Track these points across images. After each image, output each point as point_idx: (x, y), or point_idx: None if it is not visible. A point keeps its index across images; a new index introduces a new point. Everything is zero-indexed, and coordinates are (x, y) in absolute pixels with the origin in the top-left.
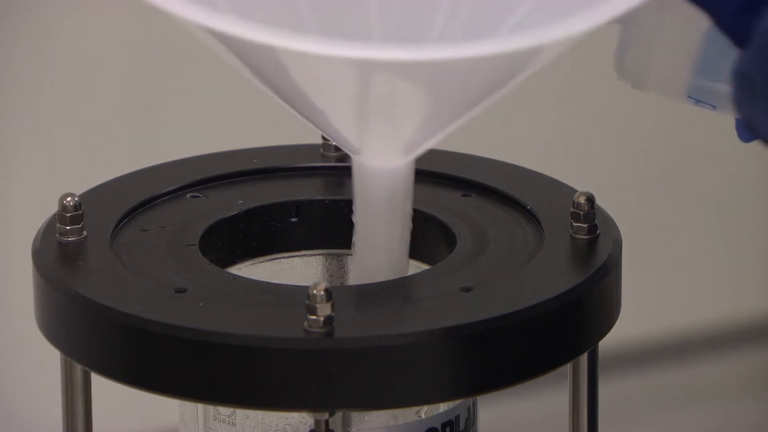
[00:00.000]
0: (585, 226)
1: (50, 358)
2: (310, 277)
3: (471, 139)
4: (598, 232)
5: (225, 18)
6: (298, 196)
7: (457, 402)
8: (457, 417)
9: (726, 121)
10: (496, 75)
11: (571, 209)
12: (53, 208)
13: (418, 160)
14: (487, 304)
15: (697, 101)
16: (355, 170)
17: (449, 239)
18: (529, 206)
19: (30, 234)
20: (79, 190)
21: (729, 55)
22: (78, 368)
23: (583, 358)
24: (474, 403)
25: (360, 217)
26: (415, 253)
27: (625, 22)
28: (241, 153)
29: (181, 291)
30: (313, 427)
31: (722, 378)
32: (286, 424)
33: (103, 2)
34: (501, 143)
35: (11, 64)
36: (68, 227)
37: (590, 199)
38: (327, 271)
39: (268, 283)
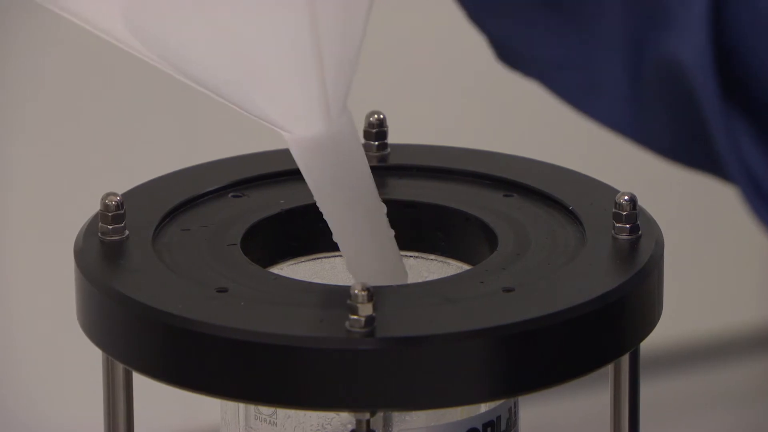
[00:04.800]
0: (627, 226)
1: (92, 357)
2: (352, 277)
3: (513, 139)
4: (639, 232)
5: None
6: None
7: (499, 402)
8: (498, 417)
9: None
10: None
11: (613, 210)
12: (95, 208)
13: (461, 161)
14: (529, 305)
15: None
16: (295, 153)
17: (491, 239)
18: (571, 207)
19: (72, 233)
20: (122, 190)
21: None
22: (120, 367)
23: (625, 359)
24: (515, 404)
25: (320, 202)
26: (456, 253)
27: None
28: (282, 153)
29: (222, 290)
30: (354, 426)
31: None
32: (327, 424)
33: None
34: (543, 143)
35: (54, 59)
36: (110, 226)
37: (632, 200)
38: None
39: (310, 283)
